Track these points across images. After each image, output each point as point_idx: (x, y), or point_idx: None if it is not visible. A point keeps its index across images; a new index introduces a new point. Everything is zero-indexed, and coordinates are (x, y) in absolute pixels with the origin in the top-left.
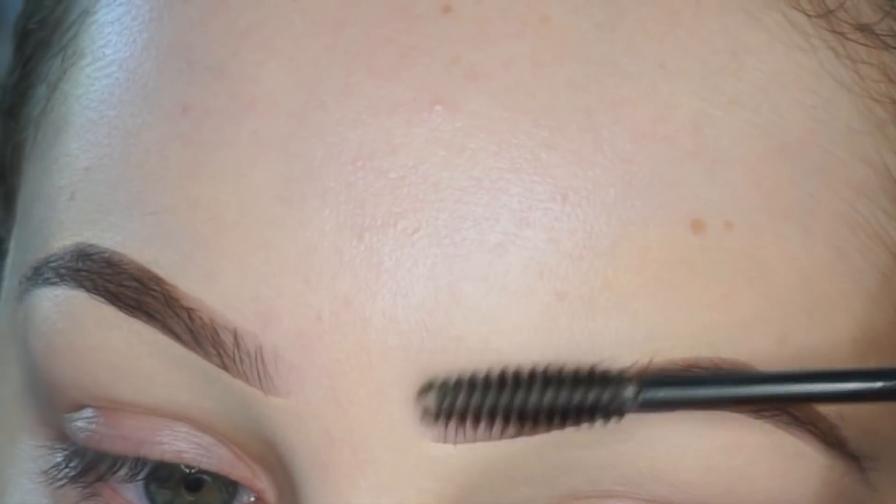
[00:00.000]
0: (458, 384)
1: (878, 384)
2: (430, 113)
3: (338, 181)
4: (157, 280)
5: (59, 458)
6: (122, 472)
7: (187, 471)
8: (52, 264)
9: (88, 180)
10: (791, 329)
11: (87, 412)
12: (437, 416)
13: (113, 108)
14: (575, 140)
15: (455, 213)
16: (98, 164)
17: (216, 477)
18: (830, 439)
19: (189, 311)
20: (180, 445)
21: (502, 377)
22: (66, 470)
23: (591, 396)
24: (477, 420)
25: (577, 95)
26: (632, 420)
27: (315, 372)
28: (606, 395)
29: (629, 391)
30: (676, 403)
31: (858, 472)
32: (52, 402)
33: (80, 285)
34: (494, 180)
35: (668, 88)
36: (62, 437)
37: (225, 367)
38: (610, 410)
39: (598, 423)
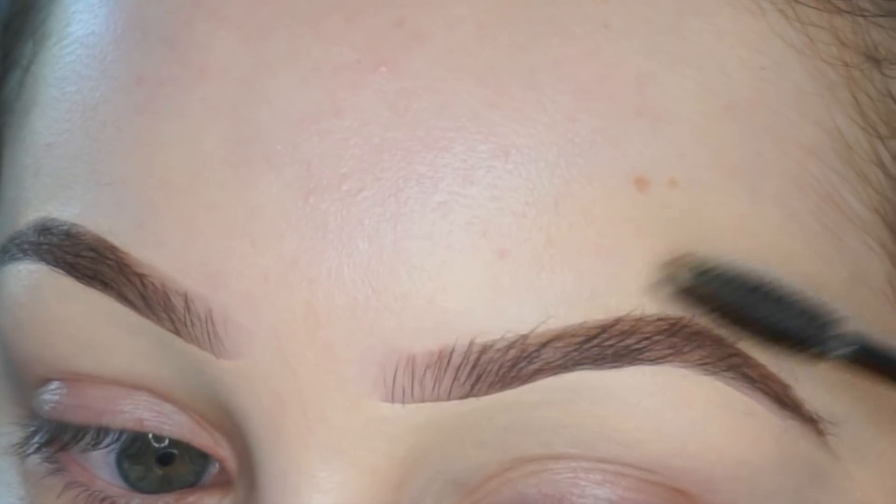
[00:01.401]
0: (716, 272)
1: None
2: (374, 74)
3: (284, 144)
4: (112, 248)
5: (27, 432)
6: (85, 440)
7: (157, 445)
8: (17, 241)
9: (50, 156)
10: None
11: (52, 385)
12: (686, 293)
13: (73, 84)
14: (517, 98)
15: (399, 173)
16: (59, 140)
17: (184, 449)
18: (783, 399)
19: (141, 276)
20: (141, 413)
21: (756, 283)
22: (33, 442)
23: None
24: (713, 307)
25: (521, 55)
26: (579, 380)
27: (263, 333)
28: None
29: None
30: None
31: (816, 437)
32: (21, 380)
33: (42, 259)
34: (438, 139)
35: (612, 48)
36: (32, 414)
37: (177, 332)
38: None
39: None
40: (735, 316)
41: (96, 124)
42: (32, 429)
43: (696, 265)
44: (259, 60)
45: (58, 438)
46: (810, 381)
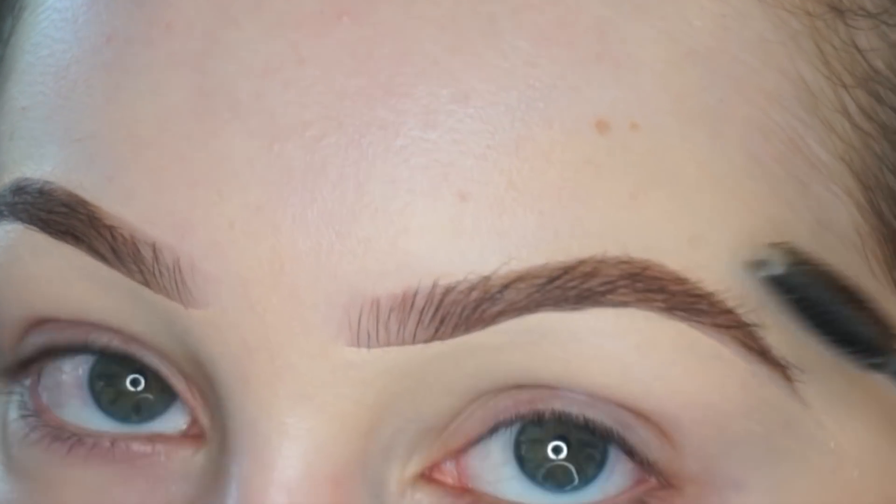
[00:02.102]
0: (808, 266)
1: None
2: (337, 24)
3: (248, 94)
4: (83, 203)
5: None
6: (70, 350)
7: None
8: None
9: (25, 119)
10: (702, 230)
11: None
12: (777, 280)
13: (47, 48)
14: (478, 45)
15: (361, 119)
16: (33, 103)
17: (153, 379)
18: (749, 343)
19: (111, 229)
20: (109, 339)
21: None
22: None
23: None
24: (796, 302)
25: (481, 3)
26: (543, 322)
27: (230, 281)
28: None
29: None
30: None
31: (785, 383)
32: (2, 347)
33: (17, 218)
34: (399, 85)
35: None
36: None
37: (147, 283)
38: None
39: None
40: (814, 311)
41: (68, 84)
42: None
43: (792, 256)
44: (223, 14)
45: (46, 356)
46: (779, 328)
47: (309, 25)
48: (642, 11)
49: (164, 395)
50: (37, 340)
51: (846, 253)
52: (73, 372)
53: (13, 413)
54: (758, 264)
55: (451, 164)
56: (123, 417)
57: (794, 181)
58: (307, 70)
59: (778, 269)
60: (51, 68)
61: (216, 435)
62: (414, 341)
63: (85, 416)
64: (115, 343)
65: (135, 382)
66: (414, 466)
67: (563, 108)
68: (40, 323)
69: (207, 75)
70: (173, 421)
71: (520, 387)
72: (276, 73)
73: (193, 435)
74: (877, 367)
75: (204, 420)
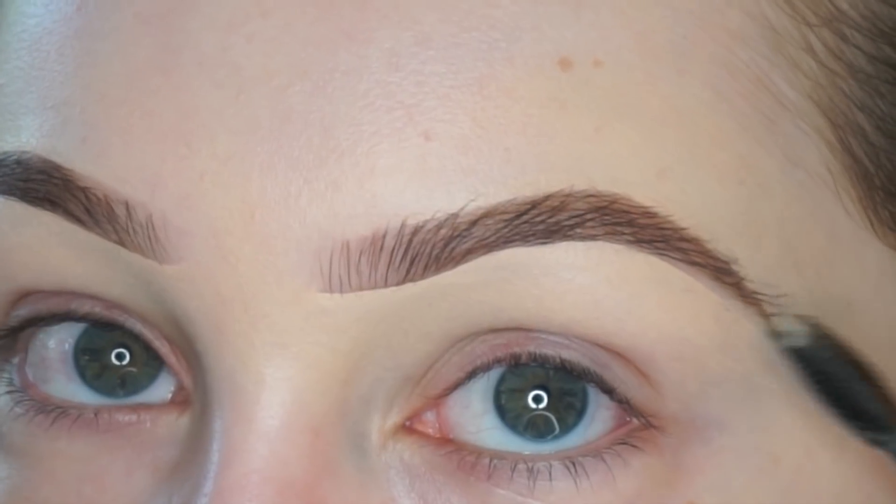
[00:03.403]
0: (831, 342)
1: None
2: None
3: (213, 47)
4: (57, 167)
5: None
6: (55, 318)
7: (115, 351)
8: None
9: (2, 95)
10: (670, 164)
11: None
12: None
13: (21, 24)
14: None
15: (325, 66)
16: (10, 79)
17: (139, 351)
18: (722, 278)
19: (85, 190)
20: (94, 307)
21: None
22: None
23: None
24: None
25: None
26: (512, 257)
27: (202, 233)
28: None
29: None
30: None
31: (760, 319)
32: None
33: None
34: (362, 31)
35: None
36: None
37: (122, 243)
38: None
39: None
40: (831, 384)
41: (41, 55)
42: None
43: (816, 330)
44: None
45: (24, 331)
46: (751, 262)
47: None
48: None
49: (148, 367)
50: (20, 313)
51: (817, 190)
52: (58, 347)
53: (0, 390)
54: (780, 335)
55: (415, 106)
56: (109, 391)
57: (761, 118)
58: (271, 21)
59: (800, 341)
60: (24, 43)
61: (199, 395)
62: (386, 284)
63: (70, 390)
64: (98, 310)
65: (119, 357)
66: (394, 417)
67: (525, 47)
68: (24, 296)
69: (173, 32)
70: (158, 393)
71: (495, 331)
72: (241, 27)
73: (179, 401)
74: (881, 443)
75: (187, 382)
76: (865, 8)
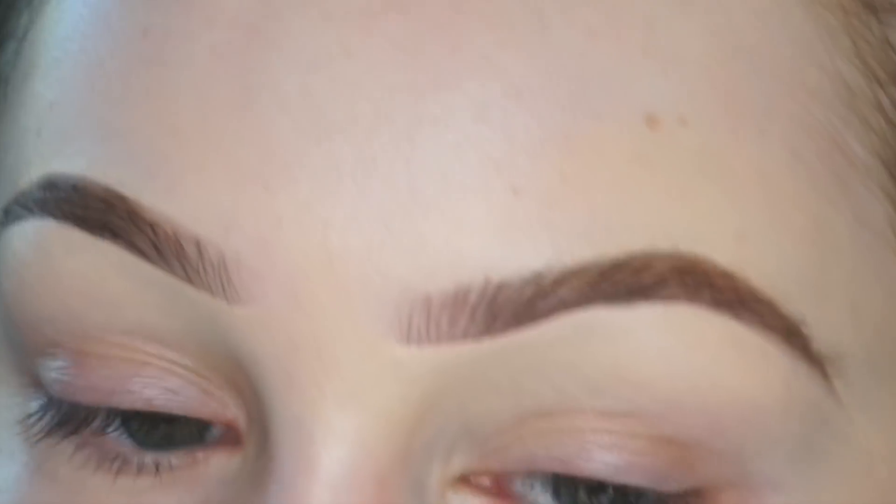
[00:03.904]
0: None
1: None
2: (384, 18)
3: (294, 87)
4: (122, 198)
5: (34, 406)
6: (96, 423)
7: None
8: (21, 201)
9: (53, 115)
10: (749, 226)
11: (58, 362)
12: None
13: (77, 42)
14: (528, 39)
15: (412, 114)
16: (62, 98)
17: None
18: (792, 340)
19: (152, 225)
20: (149, 392)
21: None
22: (42, 422)
23: None
24: None
25: None
26: (593, 318)
27: (277, 277)
28: None
29: None
30: None
31: (822, 381)
32: (25, 346)
33: (49, 214)
34: (449, 80)
35: None
36: (36, 383)
37: (189, 280)
38: None
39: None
40: None
41: (102, 79)
42: (41, 402)
43: None
44: (267, 8)
45: (69, 421)
46: (818, 324)
47: (355, 19)
48: (688, 6)
49: (197, 423)
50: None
51: (881, 250)
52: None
53: (34, 407)
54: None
55: (503, 160)
56: (160, 447)
57: (834, 178)
58: (355, 64)
59: None
60: (81, 63)
61: (254, 436)
62: (465, 338)
63: (122, 443)
64: (139, 406)
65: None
66: (454, 468)
67: (613, 103)
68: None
69: (251, 69)
70: (204, 434)
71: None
72: (323, 68)
73: (230, 440)
74: None
75: (241, 425)
76: None
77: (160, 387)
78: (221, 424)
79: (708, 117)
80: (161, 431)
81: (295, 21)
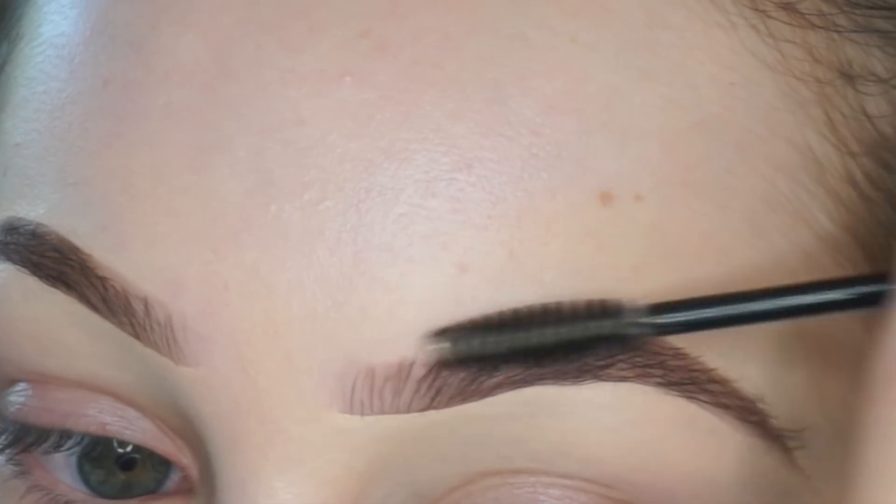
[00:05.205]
0: (470, 329)
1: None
2: (338, 84)
3: (247, 151)
4: (75, 250)
5: None
6: (49, 442)
7: (120, 451)
8: None
9: (19, 156)
10: None
11: (19, 386)
12: (457, 361)
13: (42, 84)
14: (481, 111)
15: (361, 184)
16: (27, 140)
17: (146, 455)
18: (748, 417)
19: (103, 280)
20: (104, 418)
21: (510, 317)
22: None
23: (597, 327)
24: (493, 360)
25: (486, 67)
26: (540, 394)
27: (223, 341)
28: (611, 325)
29: (640, 316)
30: (690, 325)
31: (782, 454)
32: None
33: (8, 258)
34: (400, 150)
35: (579, 62)
36: (1, 417)
37: (137, 337)
38: (619, 337)
39: (609, 351)
40: (511, 356)
41: (63, 125)
42: None
43: (451, 335)
44: (224, 67)
45: (21, 440)
46: (776, 395)
47: (310, 84)
48: (650, 79)
49: (156, 472)
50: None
51: (848, 322)
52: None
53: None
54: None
55: (451, 234)
56: (114, 495)
57: (797, 252)
58: (307, 130)
59: (449, 352)
60: (45, 106)
61: (205, 489)
62: (409, 410)
63: (77, 488)
64: (93, 429)
65: (126, 464)
66: None
67: (567, 179)
68: (24, 376)
69: (204, 129)
70: (162, 483)
71: (511, 473)
72: (276, 132)
73: (183, 490)
74: (627, 345)
75: (193, 475)
76: None
77: (116, 414)
78: (178, 467)
79: (664, 193)
80: (119, 480)
81: (249, 83)
